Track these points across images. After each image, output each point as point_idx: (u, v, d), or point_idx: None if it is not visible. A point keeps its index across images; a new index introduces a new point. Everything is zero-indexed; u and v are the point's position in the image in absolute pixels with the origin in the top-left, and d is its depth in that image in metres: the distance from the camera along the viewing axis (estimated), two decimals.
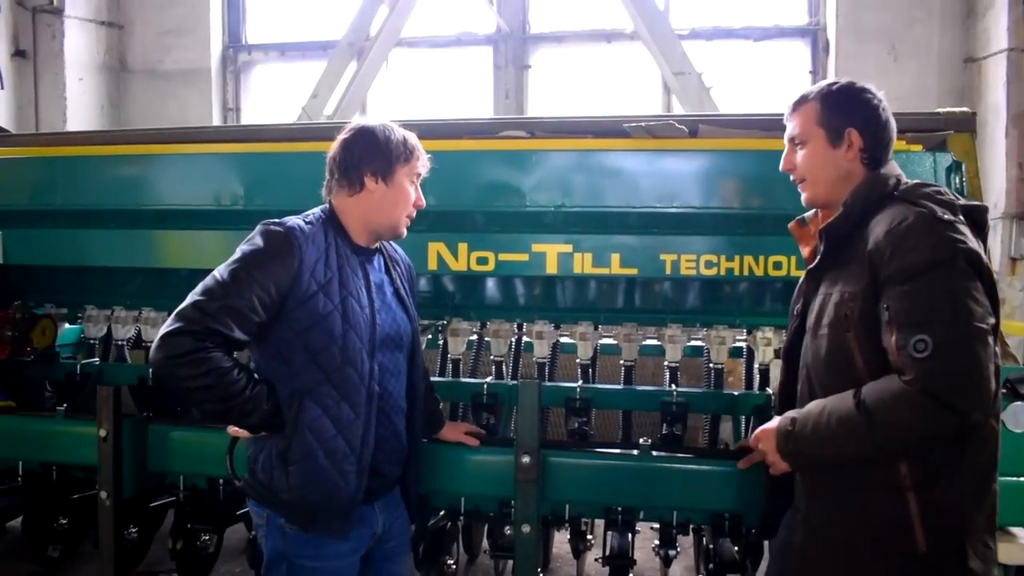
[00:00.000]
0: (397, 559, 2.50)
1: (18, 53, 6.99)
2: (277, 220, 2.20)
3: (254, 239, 2.16)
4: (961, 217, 1.89)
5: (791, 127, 2.14)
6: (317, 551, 2.21)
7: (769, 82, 7.11)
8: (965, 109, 3.09)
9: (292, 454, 2.14)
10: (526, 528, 2.73)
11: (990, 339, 1.79)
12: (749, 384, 3.76)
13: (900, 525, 1.87)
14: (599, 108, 7.14)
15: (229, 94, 7.70)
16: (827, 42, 6.86)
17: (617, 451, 2.95)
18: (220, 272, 2.11)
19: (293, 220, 2.21)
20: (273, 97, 7.81)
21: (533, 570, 2.77)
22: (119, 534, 3.15)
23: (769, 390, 3.42)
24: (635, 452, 2.86)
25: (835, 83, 2.09)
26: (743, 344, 3.69)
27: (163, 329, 2.04)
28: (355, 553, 2.30)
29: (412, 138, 2.33)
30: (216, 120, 7.52)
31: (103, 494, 3.03)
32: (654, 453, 2.83)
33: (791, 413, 2.04)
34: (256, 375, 2.15)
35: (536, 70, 7.46)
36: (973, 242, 1.85)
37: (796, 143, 2.13)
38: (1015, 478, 2.57)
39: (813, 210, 2.25)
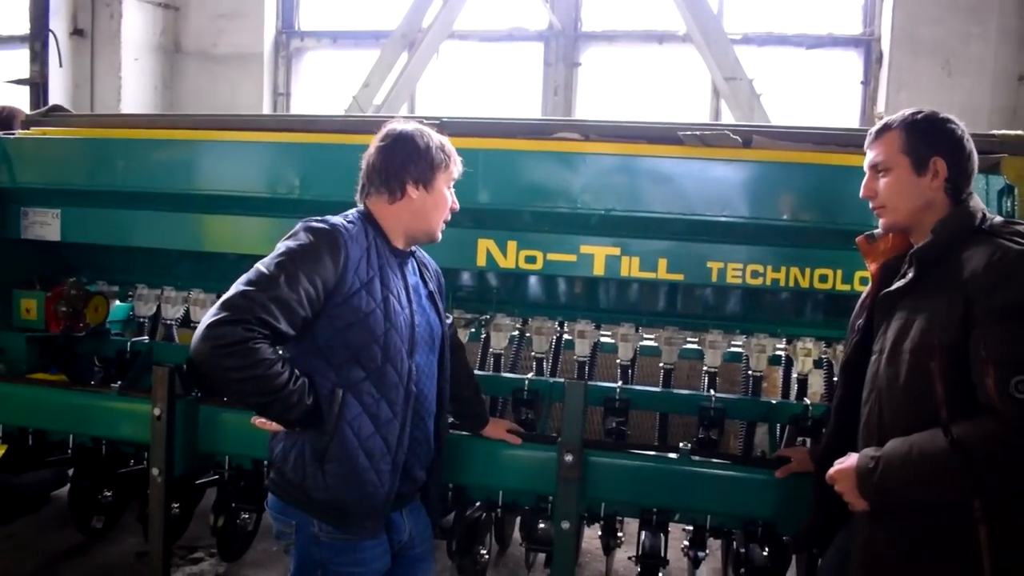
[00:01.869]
0: (422, 565, 2.50)
1: (76, 32, 7.12)
2: (319, 218, 2.19)
3: (298, 235, 2.13)
4: None
5: (873, 155, 2.14)
6: (354, 556, 2.20)
7: (820, 91, 7.06)
8: (1020, 132, 3.07)
9: (331, 452, 2.12)
10: (566, 524, 2.77)
11: None
12: (786, 393, 3.78)
13: (969, 554, 1.89)
14: (648, 109, 7.14)
15: (280, 79, 7.79)
16: (880, 53, 6.80)
17: (657, 454, 2.99)
18: (266, 265, 2.07)
19: (335, 219, 2.21)
20: (323, 84, 7.89)
21: (572, 564, 2.82)
22: (168, 510, 3.21)
23: (806, 400, 3.44)
24: (675, 456, 2.90)
25: (919, 112, 2.08)
26: (781, 353, 3.71)
27: (208, 318, 1.99)
28: (387, 555, 2.30)
29: (447, 143, 2.34)
30: (266, 104, 7.61)
31: (155, 471, 3.09)
32: (694, 458, 2.87)
33: (870, 451, 2.01)
34: (296, 370, 2.11)
35: (586, 68, 7.47)
36: None
37: (878, 170, 2.12)
38: None
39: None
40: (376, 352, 2.15)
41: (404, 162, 2.25)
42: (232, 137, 3.56)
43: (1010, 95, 6.43)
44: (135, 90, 7.28)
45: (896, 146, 2.07)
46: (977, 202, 2.06)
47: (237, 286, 2.05)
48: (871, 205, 2.17)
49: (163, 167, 3.55)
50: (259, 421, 2.23)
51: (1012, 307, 1.81)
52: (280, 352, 2.08)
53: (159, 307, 4.08)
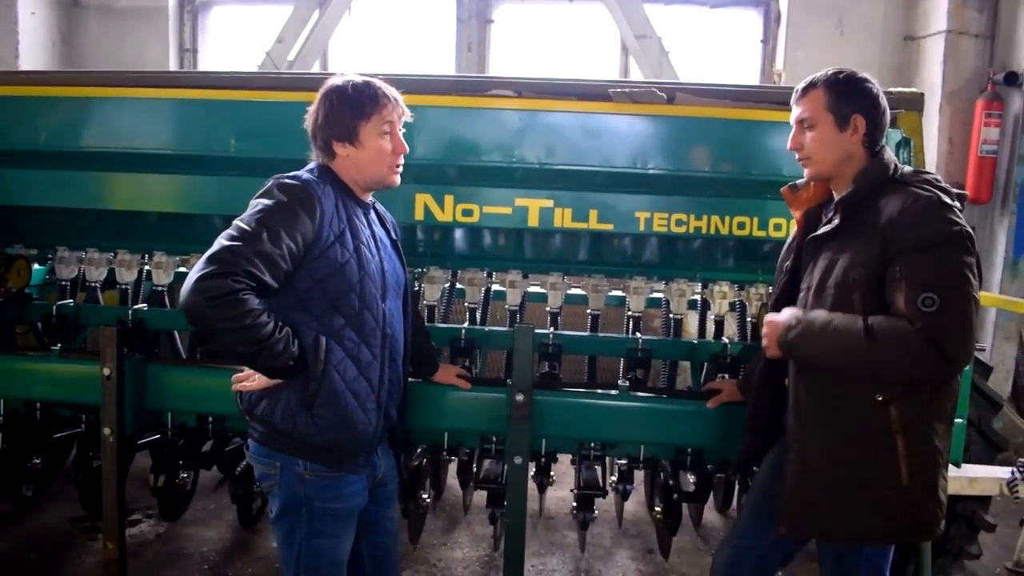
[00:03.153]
0: (390, 503, 2.60)
1: None
2: (290, 175, 2.23)
3: (272, 193, 2.17)
4: (959, 204, 2.17)
5: (799, 111, 2.34)
6: (338, 492, 2.28)
7: (723, 49, 7.32)
8: (914, 90, 3.35)
9: (321, 397, 2.19)
10: (518, 460, 2.96)
11: (976, 312, 2.07)
12: (702, 334, 4.04)
13: (888, 462, 2.17)
14: (560, 67, 7.25)
15: (186, 35, 7.50)
16: (779, 13, 7.08)
17: (599, 391, 3.20)
18: (246, 222, 2.12)
19: (305, 174, 2.25)
20: (232, 40, 7.66)
21: (524, 496, 3.01)
22: (122, 470, 3.22)
23: (724, 339, 3.70)
24: (615, 392, 3.12)
25: (841, 72, 2.30)
26: (697, 297, 3.96)
27: (196, 272, 2.05)
28: (366, 491, 2.39)
29: (374, 89, 2.30)
30: (173, 61, 7.36)
31: (106, 430, 3.09)
32: (633, 393, 3.09)
33: (798, 313, 2.27)
34: (279, 321, 2.15)
35: (499, 25, 7.50)
36: (966, 224, 2.13)
37: (804, 125, 2.33)
38: None
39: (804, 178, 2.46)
40: (353, 299, 2.23)
41: (323, 122, 2.28)
42: (153, 94, 3.51)
43: (897, 53, 6.83)
44: (32, 46, 6.87)
45: (821, 104, 2.29)
46: (890, 155, 2.31)
47: (220, 242, 2.10)
48: (797, 156, 2.39)
49: (83, 125, 3.49)
50: (239, 385, 2.29)
51: (923, 243, 2.07)
52: (266, 304, 2.14)
53: (81, 270, 4.01)
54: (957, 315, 2.03)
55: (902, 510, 2.21)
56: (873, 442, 2.19)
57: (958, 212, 2.13)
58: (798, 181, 2.48)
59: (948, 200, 2.13)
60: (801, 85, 2.35)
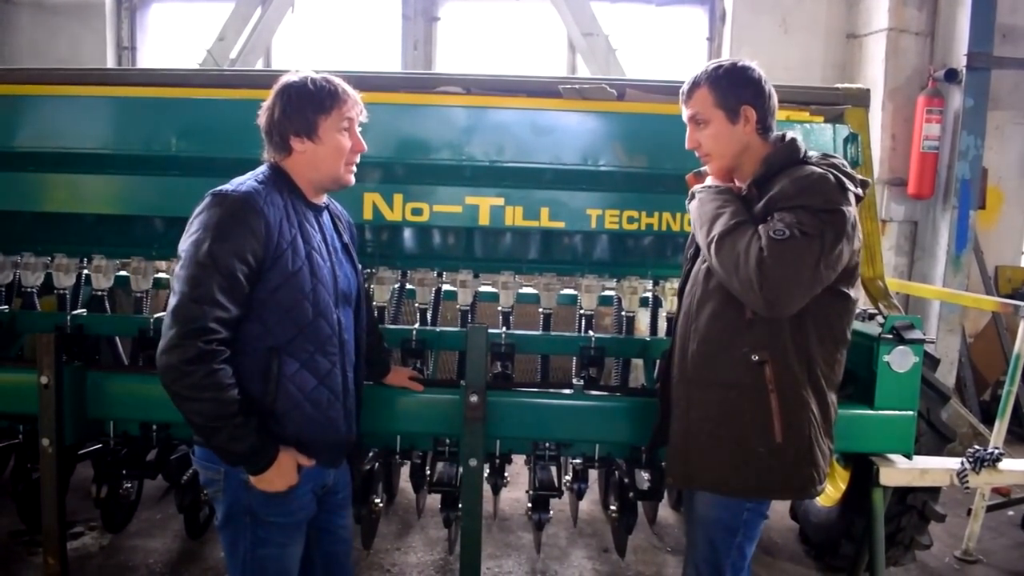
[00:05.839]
0: (343, 512, 2.53)
1: None
2: (229, 186, 2.13)
3: (212, 210, 2.08)
4: (860, 190, 2.22)
5: (690, 112, 2.37)
6: (283, 501, 2.20)
7: (669, 46, 7.35)
8: (861, 86, 3.41)
9: (278, 408, 2.15)
10: (473, 462, 2.92)
11: (818, 282, 2.10)
12: (654, 331, 4.05)
13: (763, 420, 2.24)
14: (506, 65, 7.20)
15: (124, 32, 7.28)
16: (724, 11, 7.14)
17: (553, 391, 3.17)
18: (193, 253, 2.05)
19: (246, 183, 2.16)
20: (172, 38, 7.46)
21: (480, 499, 2.97)
22: (62, 482, 3.11)
23: None
24: (569, 391, 3.09)
25: (720, 66, 2.32)
26: (648, 295, 3.96)
27: (167, 331, 2.01)
28: (313, 503, 2.32)
29: (335, 85, 2.25)
30: (110, 59, 7.14)
31: (45, 441, 2.98)
32: (588, 392, 3.07)
33: (722, 188, 2.34)
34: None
35: (445, 23, 7.44)
36: (853, 209, 2.18)
37: (698, 123, 2.35)
38: (896, 412, 2.95)
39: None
40: (307, 307, 2.17)
41: (281, 117, 2.21)
42: (91, 92, 3.43)
43: (840, 51, 6.94)
44: None
45: (709, 102, 2.31)
46: (801, 141, 2.34)
47: (181, 287, 2.04)
48: (697, 154, 2.42)
49: (17, 124, 3.39)
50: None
51: (803, 206, 2.10)
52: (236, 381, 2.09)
53: (16, 275, 3.86)
54: (792, 257, 2.05)
55: (775, 468, 2.27)
56: (749, 400, 2.26)
57: (849, 197, 2.17)
58: (702, 168, 2.51)
59: (845, 182, 2.18)
60: (685, 86, 2.38)
